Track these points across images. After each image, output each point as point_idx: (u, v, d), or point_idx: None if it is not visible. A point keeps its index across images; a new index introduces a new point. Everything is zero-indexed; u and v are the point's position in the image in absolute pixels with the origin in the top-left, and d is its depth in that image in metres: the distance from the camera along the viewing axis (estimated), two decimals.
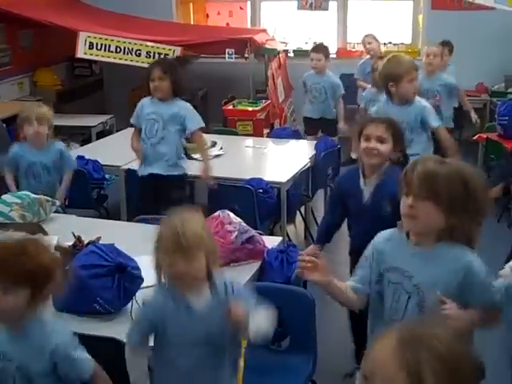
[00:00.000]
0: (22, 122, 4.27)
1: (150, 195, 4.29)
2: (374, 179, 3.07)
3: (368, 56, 7.04)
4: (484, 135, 6.23)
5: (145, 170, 4.32)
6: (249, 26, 8.85)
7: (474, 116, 6.16)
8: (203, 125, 4.37)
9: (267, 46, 7.42)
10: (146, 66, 6.74)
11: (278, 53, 7.59)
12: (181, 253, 2.12)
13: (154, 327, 2.25)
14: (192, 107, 4.36)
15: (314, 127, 6.26)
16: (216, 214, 3.28)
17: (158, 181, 4.26)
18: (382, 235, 2.35)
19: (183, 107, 4.29)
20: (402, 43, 8.74)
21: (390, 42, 8.65)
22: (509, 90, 7.83)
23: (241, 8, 9.04)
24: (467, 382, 1.28)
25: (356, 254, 2.59)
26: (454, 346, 1.30)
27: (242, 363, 2.44)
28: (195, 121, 4.31)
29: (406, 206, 2.14)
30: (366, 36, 7.16)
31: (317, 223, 5.34)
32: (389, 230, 2.34)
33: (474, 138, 6.40)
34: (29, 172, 4.27)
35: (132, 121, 4.47)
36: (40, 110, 4.23)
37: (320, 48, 6.42)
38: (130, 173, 4.63)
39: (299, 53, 8.51)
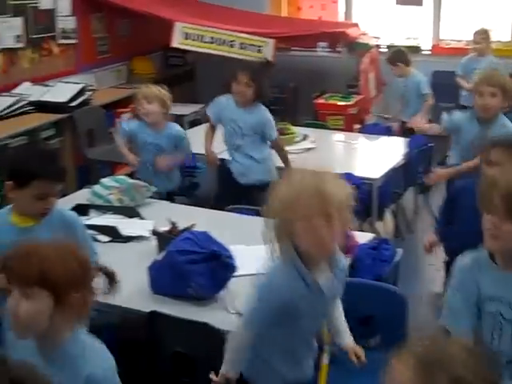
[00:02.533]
0: (135, 102, 4.35)
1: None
2: None
3: (474, 53, 6.86)
4: None
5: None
6: (341, 19, 8.78)
7: None
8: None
9: (360, 41, 7.34)
10: (238, 57, 6.88)
11: (371, 48, 7.50)
12: (325, 216, 1.98)
13: (285, 309, 2.13)
14: (270, 114, 4.35)
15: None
16: None
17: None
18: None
19: (263, 115, 4.31)
20: (499, 41, 8.48)
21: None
22: None
23: (334, 1, 8.96)
24: None
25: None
26: (470, 365, 1.28)
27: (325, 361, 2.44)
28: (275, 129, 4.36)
29: (488, 223, 2.01)
30: (477, 33, 6.94)
31: (408, 221, 5.29)
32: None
33: None
34: (143, 150, 4.34)
35: (209, 113, 4.49)
36: (147, 89, 4.26)
37: (395, 56, 6.38)
38: (221, 163, 4.68)
39: (392, 48, 8.37)
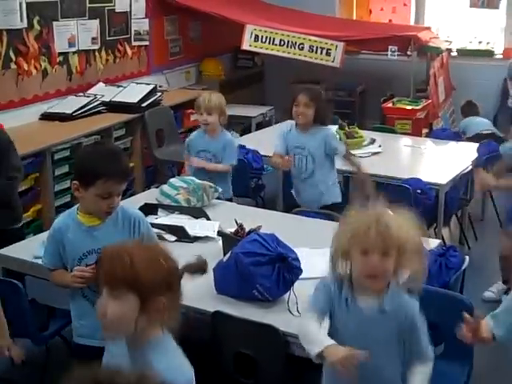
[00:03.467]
0: (195, 109, 4.38)
1: None
2: None
3: None
4: None
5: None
6: (412, 23, 8.68)
7: None
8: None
9: (431, 45, 7.25)
10: (308, 59, 6.90)
11: (442, 51, 7.39)
12: (380, 251, 2.04)
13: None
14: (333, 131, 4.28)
15: None
16: None
17: None
18: None
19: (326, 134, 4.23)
20: None
21: None
22: None
23: (404, 4, 8.87)
24: None
25: None
26: None
27: None
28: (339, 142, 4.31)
29: None
30: None
31: (473, 228, 5.20)
32: None
33: None
34: (197, 157, 4.33)
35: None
36: (209, 100, 4.26)
37: None
38: None
39: (463, 52, 8.24)
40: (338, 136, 4.36)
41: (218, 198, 3.95)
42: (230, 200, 4.26)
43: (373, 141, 5.17)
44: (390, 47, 7.02)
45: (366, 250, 2.05)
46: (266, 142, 4.93)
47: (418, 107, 6.71)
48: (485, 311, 2.44)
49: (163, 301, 1.77)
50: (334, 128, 4.87)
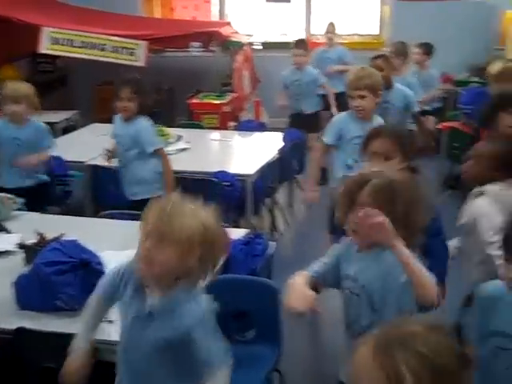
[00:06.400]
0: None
1: None
2: None
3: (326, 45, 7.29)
4: (448, 124, 6.29)
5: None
6: (216, 19, 8.84)
7: None
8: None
9: (232, 39, 7.43)
10: (111, 60, 6.78)
11: (243, 45, 7.59)
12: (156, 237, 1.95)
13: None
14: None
15: (299, 123, 6.13)
16: None
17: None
18: None
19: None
20: (369, 34, 8.80)
21: (356, 34, 8.71)
22: (472, 79, 7.93)
23: (206, 1, 9.01)
24: (451, 375, 1.27)
25: None
26: (431, 340, 1.29)
27: None
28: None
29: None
30: (330, 24, 7.32)
31: (282, 215, 5.38)
32: None
33: (438, 126, 6.45)
34: (2, 146, 4.23)
35: None
36: (14, 91, 4.21)
37: (300, 43, 6.48)
38: (95, 169, 4.60)
39: (267, 45, 8.54)
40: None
41: (19, 209, 3.77)
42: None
43: (179, 137, 5.18)
44: (192, 43, 7.09)
45: (146, 235, 1.98)
46: (71, 147, 4.79)
47: (224, 101, 6.84)
48: None
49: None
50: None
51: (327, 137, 4.00)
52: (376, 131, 3.08)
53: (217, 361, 2.04)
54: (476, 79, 7.83)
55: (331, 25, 7.42)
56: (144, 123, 4.19)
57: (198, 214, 2.00)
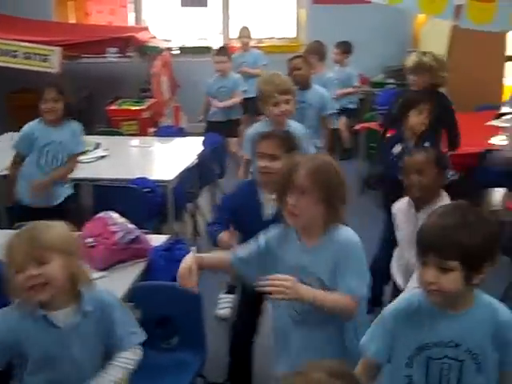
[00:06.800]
0: None
1: None
2: None
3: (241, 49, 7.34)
4: (364, 125, 6.42)
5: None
6: (133, 24, 8.74)
7: None
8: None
9: (150, 44, 7.37)
10: (24, 67, 6.60)
11: (161, 50, 7.54)
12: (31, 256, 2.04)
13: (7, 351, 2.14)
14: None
15: (219, 130, 6.02)
16: (99, 215, 3.24)
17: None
18: None
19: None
20: (286, 37, 8.90)
21: (274, 37, 8.79)
22: (387, 81, 8.13)
23: (122, 6, 8.90)
24: None
25: None
26: None
27: None
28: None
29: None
30: (243, 29, 7.38)
31: (204, 220, 5.35)
32: None
33: (356, 127, 6.58)
34: None
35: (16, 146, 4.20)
36: None
37: (223, 50, 6.51)
38: None
39: (185, 50, 8.51)
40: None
41: None
42: None
43: (98, 145, 5.10)
44: (109, 49, 6.99)
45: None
46: None
47: (143, 107, 6.78)
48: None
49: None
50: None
51: (246, 151, 3.98)
52: (264, 134, 3.15)
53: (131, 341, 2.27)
54: (391, 81, 8.06)
55: (245, 29, 7.46)
56: (75, 126, 4.15)
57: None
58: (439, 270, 1.86)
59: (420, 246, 1.92)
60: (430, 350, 1.95)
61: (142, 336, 2.30)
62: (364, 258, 2.27)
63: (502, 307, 1.97)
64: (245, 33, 7.42)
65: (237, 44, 8.04)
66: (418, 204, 3.21)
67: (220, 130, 5.92)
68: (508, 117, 5.91)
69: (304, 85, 4.91)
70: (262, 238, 2.42)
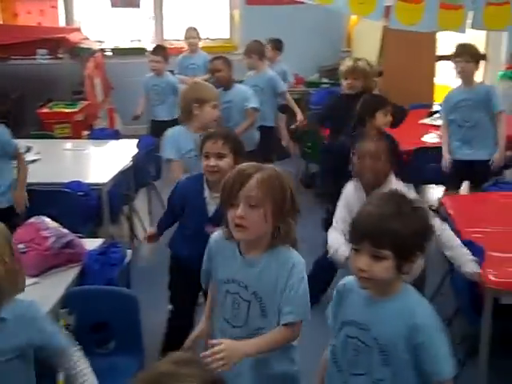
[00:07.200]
0: None
1: None
2: None
3: (188, 50, 7.18)
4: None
5: None
6: (63, 24, 8.58)
7: None
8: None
9: (82, 46, 7.25)
10: None
11: (94, 52, 7.42)
12: None
13: None
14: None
15: (162, 129, 6.03)
16: (30, 220, 3.16)
17: None
18: None
19: None
20: (220, 38, 8.90)
21: (208, 38, 8.77)
22: (322, 80, 8.23)
23: (53, 7, 8.71)
24: None
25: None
26: (182, 374, 1.39)
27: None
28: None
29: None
30: (191, 29, 7.23)
31: (141, 222, 5.30)
32: None
33: (292, 126, 6.60)
34: None
35: None
36: None
37: (158, 50, 6.45)
38: None
39: (118, 51, 8.40)
40: None
41: None
42: None
43: (29, 149, 4.97)
44: (38, 50, 6.85)
45: None
46: None
47: (75, 109, 6.65)
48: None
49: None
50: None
51: (168, 152, 4.00)
52: (208, 134, 3.16)
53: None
54: (326, 80, 8.17)
55: (192, 30, 7.19)
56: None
57: None
58: (372, 257, 1.92)
59: (354, 234, 1.96)
60: (348, 328, 2.05)
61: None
62: (305, 278, 2.22)
63: (421, 309, 1.99)
64: (192, 33, 7.16)
65: (173, 45, 8.00)
66: (368, 189, 3.33)
67: (164, 130, 5.88)
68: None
69: (226, 85, 5.15)
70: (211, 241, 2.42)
